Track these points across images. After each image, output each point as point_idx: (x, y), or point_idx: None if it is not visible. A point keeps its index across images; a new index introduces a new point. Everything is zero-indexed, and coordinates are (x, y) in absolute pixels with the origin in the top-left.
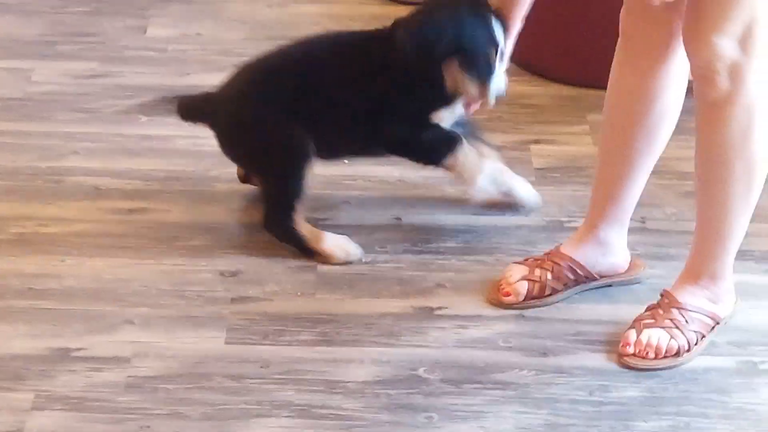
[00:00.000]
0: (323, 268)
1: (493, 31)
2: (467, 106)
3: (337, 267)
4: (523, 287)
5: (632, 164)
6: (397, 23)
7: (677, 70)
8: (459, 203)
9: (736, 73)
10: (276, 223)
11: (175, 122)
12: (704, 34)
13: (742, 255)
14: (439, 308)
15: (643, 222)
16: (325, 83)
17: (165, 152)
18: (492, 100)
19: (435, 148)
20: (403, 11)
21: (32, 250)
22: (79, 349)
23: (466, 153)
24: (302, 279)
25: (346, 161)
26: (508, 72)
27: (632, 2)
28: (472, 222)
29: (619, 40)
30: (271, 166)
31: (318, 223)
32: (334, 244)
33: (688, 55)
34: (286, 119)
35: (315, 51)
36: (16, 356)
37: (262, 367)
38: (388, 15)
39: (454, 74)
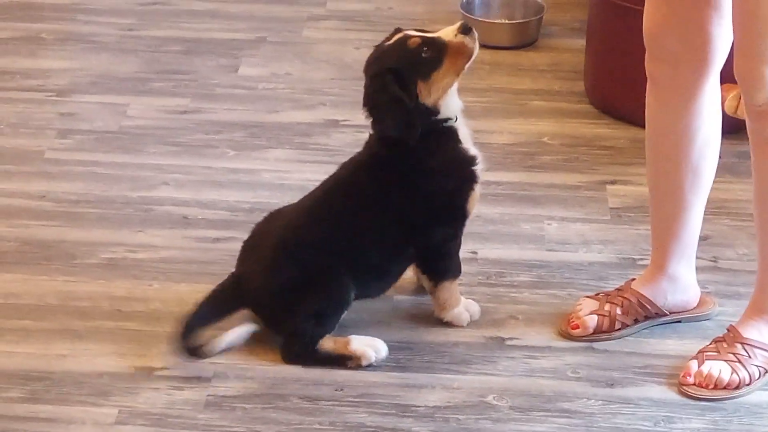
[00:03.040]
0: (398, 298)
1: (403, 45)
2: (458, 65)
3: (412, 298)
4: (593, 321)
5: (682, 201)
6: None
7: (709, 107)
8: (534, 239)
9: None
10: (299, 355)
11: (261, 156)
12: (755, 69)
13: None
14: (510, 339)
15: (715, 261)
16: (354, 229)
17: (251, 184)
18: (463, 38)
19: (449, 267)
20: (487, 56)
21: (121, 274)
22: (162, 369)
23: (456, 285)
24: (378, 308)
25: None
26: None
27: (654, 47)
28: (546, 258)
29: (648, 84)
30: (308, 310)
31: None
32: (363, 344)
33: (742, 93)
34: (328, 264)
35: (332, 192)
36: (102, 373)
37: (336, 390)
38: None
39: (423, 91)
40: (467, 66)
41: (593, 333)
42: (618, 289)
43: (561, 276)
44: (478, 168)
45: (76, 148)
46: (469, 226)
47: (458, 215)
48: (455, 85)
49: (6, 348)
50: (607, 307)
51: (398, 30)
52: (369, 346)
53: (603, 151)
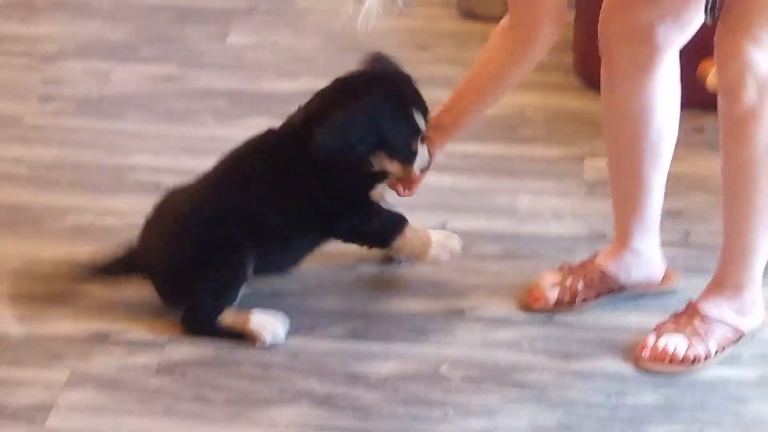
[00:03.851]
0: (363, 268)
1: (413, 117)
2: (395, 184)
3: (377, 268)
4: (554, 293)
5: (642, 178)
6: (311, 118)
7: (667, 84)
8: (506, 212)
9: (764, 87)
10: (198, 327)
11: (241, 125)
12: (738, 44)
13: None
14: (471, 310)
15: (687, 236)
16: (256, 199)
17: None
18: (417, 176)
19: (383, 232)
20: (479, 29)
21: (87, 240)
22: (117, 333)
23: (413, 231)
24: (341, 277)
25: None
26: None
27: (609, 17)
28: (516, 230)
29: (602, 60)
30: (207, 283)
31: None
32: (261, 325)
33: (717, 66)
34: (226, 239)
35: (236, 167)
36: (56, 337)
37: (290, 356)
38: (464, 32)
39: (379, 160)
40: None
41: (554, 306)
42: (581, 263)
43: (529, 249)
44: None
45: (57, 113)
46: (441, 197)
47: (362, 205)
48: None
49: None
50: (569, 280)
51: (407, 84)
52: (266, 327)
53: (585, 125)
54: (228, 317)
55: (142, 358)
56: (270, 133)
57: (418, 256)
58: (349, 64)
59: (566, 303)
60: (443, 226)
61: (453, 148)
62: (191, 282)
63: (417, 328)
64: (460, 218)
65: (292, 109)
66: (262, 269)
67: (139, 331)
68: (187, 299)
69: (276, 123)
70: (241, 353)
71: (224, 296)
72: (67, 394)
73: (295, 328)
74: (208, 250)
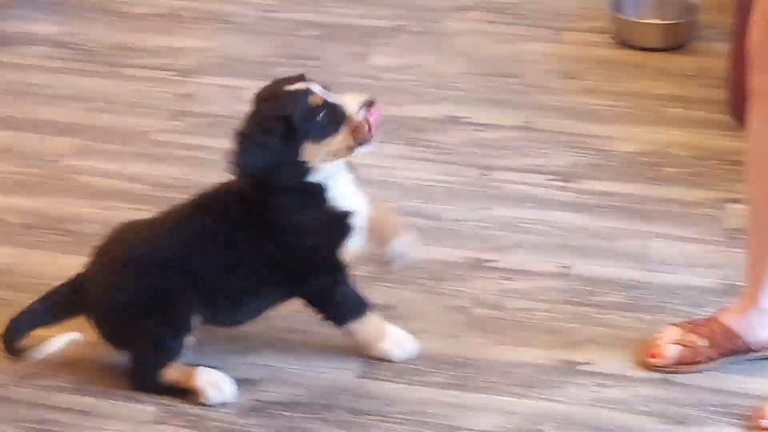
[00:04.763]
0: (475, 311)
1: (304, 99)
2: (352, 142)
3: (491, 312)
4: (674, 351)
5: None
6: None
7: None
8: (636, 257)
9: None
10: (143, 385)
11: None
12: None
13: None
14: (583, 363)
15: None
16: (206, 256)
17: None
18: (362, 125)
19: (346, 308)
20: (633, 59)
21: None
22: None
23: (371, 322)
24: (451, 320)
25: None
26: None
27: (762, 58)
28: (643, 278)
29: (754, 102)
30: (145, 333)
31: (482, 264)
32: (207, 381)
33: None
34: (168, 290)
35: (191, 217)
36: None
37: (387, 404)
38: (618, 61)
39: (304, 152)
40: (362, 150)
41: (673, 364)
42: (706, 319)
43: (655, 299)
44: (352, 221)
45: (184, 130)
46: (567, 237)
47: (329, 266)
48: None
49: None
50: (691, 337)
51: (302, 77)
52: (212, 384)
53: (732, 166)
54: (173, 372)
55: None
56: (226, 189)
57: (368, 346)
58: (491, 90)
59: (686, 362)
60: (567, 270)
61: (589, 185)
62: (128, 329)
63: (524, 380)
64: (585, 262)
65: (425, 136)
66: (213, 322)
67: (234, 367)
68: (125, 347)
69: (405, 150)
70: (336, 397)
71: (163, 349)
72: (152, 429)
73: (397, 373)
74: (148, 299)
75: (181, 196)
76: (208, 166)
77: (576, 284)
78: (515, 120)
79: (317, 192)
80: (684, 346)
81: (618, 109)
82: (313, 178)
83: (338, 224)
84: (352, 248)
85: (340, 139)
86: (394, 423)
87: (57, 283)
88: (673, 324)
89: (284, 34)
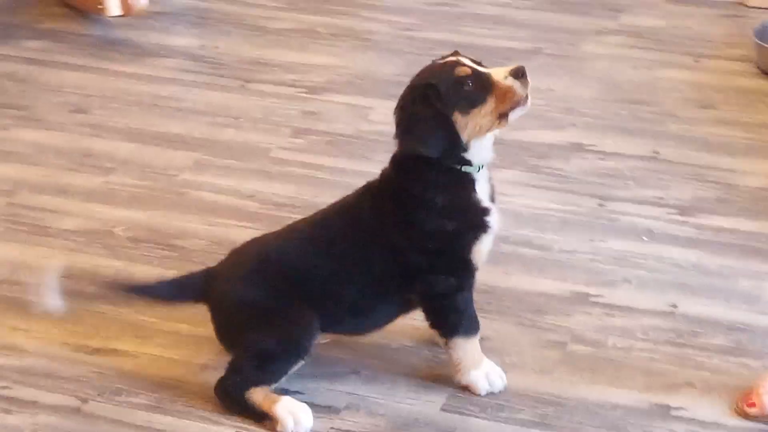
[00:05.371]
0: (572, 347)
1: (451, 69)
2: (501, 108)
3: (588, 349)
4: None
5: None
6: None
7: None
8: (747, 299)
9: None
10: (231, 391)
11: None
12: None
13: None
14: (678, 408)
15: None
16: (337, 261)
17: None
18: (513, 82)
19: (461, 317)
20: None
21: None
22: (296, 393)
23: (475, 345)
24: (546, 355)
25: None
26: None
27: None
28: (753, 321)
29: None
30: (256, 346)
31: (587, 299)
32: (288, 410)
33: None
34: (296, 303)
35: (324, 224)
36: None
37: None
38: (759, 91)
39: (458, 123)
40: (515, 115)
41: None
42: None
43: (762, 344)
44: (491, 219)
45: (305, 149)
46: (678, 274)
47: (459, 264)
48: (491, 133)
49: (155, 351)
50: None
51: (456, 53)
52: (292, 413)
53: None
54: (257, 393)
55: (315, 423)
56: (365, 188)
57: (459, 367)
58: (621, 118)
59: None
60: (673, 309)
61: (709, 220)
62: (241, 330)
63: (612, 423)
64: (694, 301)
65: (547, 163)
66: (335, 330)
67: (319, 393)
68: (233, 348)
69: (524, 176)
70: (417, 429)
71: (267, 370)
72: None
73: (482, 408)
74: (272, 303)
75: (292, 216)
76: (323, 185)
77: (681, 324)
78: (642, 149)
79: (466, 179)
80: None
81: (750, 141)
82: (465, 163)
83: (479, 217)
84: (485, 250)
85: (488, 108)
86: None
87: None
88: None
89: (419, 53)
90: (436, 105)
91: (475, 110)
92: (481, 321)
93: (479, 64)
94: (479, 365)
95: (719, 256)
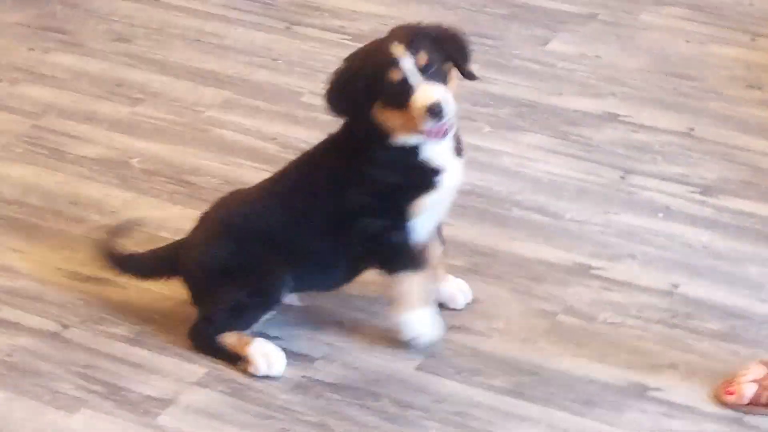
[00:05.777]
0: (561, 318)
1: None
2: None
3: (577, 321)
4: (750, 390)
5: None
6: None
7: None
8: (751, 286)
9: None
10: (203, 336)
11: (513, 138)
12: None
13: None
14: (655, 389)
15: None
16: (297, 212)
17: (485, 166)
18: (425, 116)
19: (401, 255)
20: None
21: None
22: (274, 338)
23: (419, 283)
24: (533, 324)
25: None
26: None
27: None
28: (752, 308)
29: None
30: (227, 298)
31: (587, 271)
32: (261, 352)
33: None
34: (265, 258)
35: (285, 179)
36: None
37: (436, 401)
38: None
39: (378, 113)
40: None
41: (748, 404)
42: None
43: (756, 332)
44: (441, 179)
45: None
46: (686, 254)
47: (394, 212)
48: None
49: (145, 284)
50: None
51: (399, 31)
52: (265, 356)
53: None
54: (230, 336)
55: (287, 370)
56: (323, 143)
57: (399, 302)
58: (663, 91)
59: (761, 403)
60: (673, 288)
61: (730, 202)
62: (214, 291)
63: (585, 397)
64: (696, 282)
65: (577, 130)
66: (305, 288)
67: (294, 341)
68: (203, 305)
69: (549, 141)
70: (388, 385)
71: (240, 318)
72: (191, 392)
73: (457, 370)
74: (241, 265)
75: None
76: None
77: (678, 305)
78: (677, 125)
79: (411, 149)
80: (763, 386)
81: None
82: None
83: (426, 177)
84: (427, 204)
85: (400, 119)
86: (434, 421)
87: (153, 232)
88: (762, 361)
89: (471, 9)
90: (359, 96)
91: (391, 112)
92: (476, 284)
93: (427, 65)
94: (416, 308)
95: (732, 239)
